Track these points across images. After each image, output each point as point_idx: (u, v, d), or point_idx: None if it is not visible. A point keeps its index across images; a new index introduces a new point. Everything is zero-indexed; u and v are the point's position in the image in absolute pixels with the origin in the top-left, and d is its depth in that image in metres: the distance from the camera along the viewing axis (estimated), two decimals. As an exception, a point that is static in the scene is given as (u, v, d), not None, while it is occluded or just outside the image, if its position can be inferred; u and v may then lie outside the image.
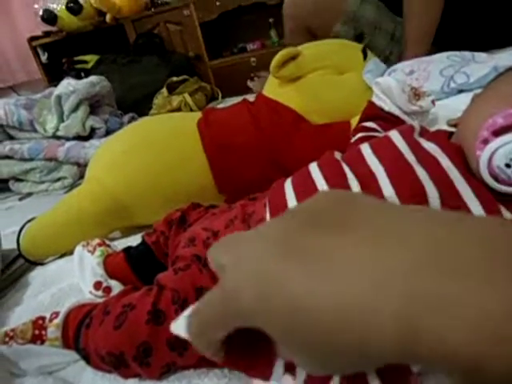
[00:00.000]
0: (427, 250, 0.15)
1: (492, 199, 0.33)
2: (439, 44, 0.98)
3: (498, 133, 0.32)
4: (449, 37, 0.96)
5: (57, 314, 0.41)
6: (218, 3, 1.96)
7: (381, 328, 0.14)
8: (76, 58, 2.17)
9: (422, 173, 0.35)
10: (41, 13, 1.96)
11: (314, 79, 0.69)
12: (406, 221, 0.16)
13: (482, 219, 0.18)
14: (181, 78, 1.78)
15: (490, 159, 0.32)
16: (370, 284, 0.15)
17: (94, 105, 1.26)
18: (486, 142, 0.32)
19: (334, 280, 0.15)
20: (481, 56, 0.70)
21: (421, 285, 0.14)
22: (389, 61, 1.05)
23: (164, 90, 1.70)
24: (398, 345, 0.14)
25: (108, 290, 0.47)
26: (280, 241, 0.18)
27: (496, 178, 0.32)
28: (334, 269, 0.16)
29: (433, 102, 0.53)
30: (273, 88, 0.72)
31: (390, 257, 0.15)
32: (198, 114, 0.72)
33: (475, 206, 0.33)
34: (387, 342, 0.14)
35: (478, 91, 0.43)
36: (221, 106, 1.54)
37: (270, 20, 2.02)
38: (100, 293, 0.47)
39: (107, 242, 0.55)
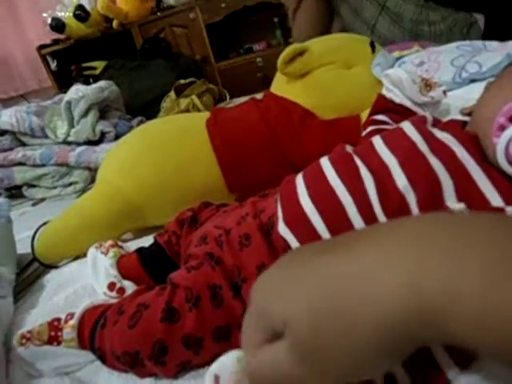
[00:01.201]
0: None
1: (510, 188, 0.32)
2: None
3: (514, 119, 0.31)
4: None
5: (72, 315, 0.41)
6: (223, 5, 1.97)
7: (390, 295, 0.18)
8: (84, 65, 2.19)
9: (435, 163, 0.34)
10: (49, 21, 1.99)
11: (322, 74, 0.68)
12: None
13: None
14: (188, 80, 1.79)
15: (507, 146, 0.31)
16: (381, 260, 0.19)
17: (103, 109, 1.27)
18: (502, 128, 0.31)
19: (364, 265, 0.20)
20: (492, 45, 0.69)
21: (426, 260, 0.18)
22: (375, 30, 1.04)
23: (172, 93, 1.71)
24: (406, 307, 0.18)
25: (122, 290, 0.47)
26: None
27: (514, 165, 0.31)
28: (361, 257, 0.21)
29: (444, 92, 0.52)
30: (281, 85, 0.71)
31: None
32: (206, 114, 0.72)
33: (493, 196, 0.32)
34: (396, 305, 0.18)
35: (492, 79, 0.42)
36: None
37: (275, 20, 2.01)
38: (114, 294, 0.47)
39: (120, 243, 0.55)
